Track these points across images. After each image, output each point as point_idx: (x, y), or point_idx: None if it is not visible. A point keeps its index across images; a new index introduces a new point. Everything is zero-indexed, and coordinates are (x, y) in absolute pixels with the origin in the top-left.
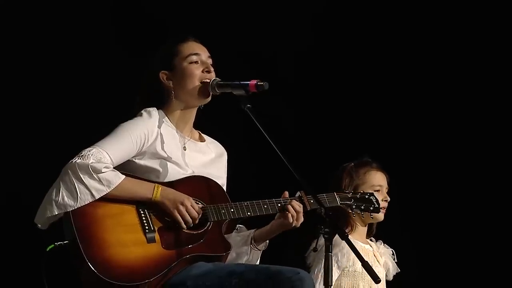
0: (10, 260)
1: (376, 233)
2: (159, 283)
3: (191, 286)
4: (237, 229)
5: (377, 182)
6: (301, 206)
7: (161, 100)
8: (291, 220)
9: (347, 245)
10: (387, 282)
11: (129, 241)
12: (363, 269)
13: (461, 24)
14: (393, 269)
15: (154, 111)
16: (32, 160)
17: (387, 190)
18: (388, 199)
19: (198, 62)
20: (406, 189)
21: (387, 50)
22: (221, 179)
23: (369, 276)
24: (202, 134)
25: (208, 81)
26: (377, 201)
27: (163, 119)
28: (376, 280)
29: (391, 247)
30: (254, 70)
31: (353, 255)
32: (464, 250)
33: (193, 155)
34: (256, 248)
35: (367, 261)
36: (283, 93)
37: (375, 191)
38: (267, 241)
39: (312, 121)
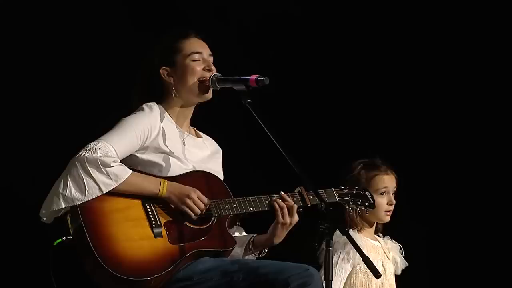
0: (17, 255)
1: (386, 227)
2: (165, 278)
3: (198, 281)
4: (238, 224)
5: (382, 185)
6: (287, 201)
7: (160, 95)
8: (280, 216)
9: (358, 241)
10: (396, 276)
11: (136, 236)
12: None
13: (469, 24)
14: (401, 263)
15: (155, 105)
16: (35, 155)
17: (394, 191)
18: (393, 202)
19: (199, 60)
20: (416, 184)
21: (394, 46)
22: (220, 174)
23: (382, 273)
24: (198, 131)
25: (208, 79)
26: (372, 197)
27: (164, 114)
28: (377, 275)
29: (400, 242)
30: (257, 64)
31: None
32: (473, 246)
33: (192, 150)
34: (254, 254)
35: (367, 256)
36: (285, 88)
37: (380, 194)
38: (267, 249)
39: (315, 116)
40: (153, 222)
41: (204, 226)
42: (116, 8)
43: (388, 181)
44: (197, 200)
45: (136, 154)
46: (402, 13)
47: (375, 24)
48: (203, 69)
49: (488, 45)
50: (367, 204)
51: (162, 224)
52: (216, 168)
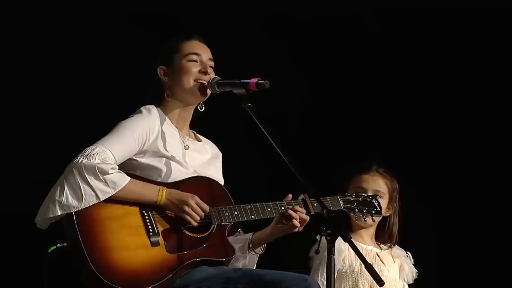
0: (11, 262)
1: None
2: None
3: None
4: (239, 232)
5: (358, 184)
6: (304, 211)
7: (157, 96)
8: (296, 225)
9: (338, 245)
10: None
11: (133, 244)
12: (362, 268)
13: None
14: (410, 271)
15: (153, 108)
16: (31, 160)
17: (378, 195)
18: None
19: (197, 61)
20: (427, 192)
21: (395, 50)
22: (221, 180)
23: (368, 276)
24: (197, 134)
25: (204, 82)
26: (379, 204)
27: (163, 117)
28: (380, 283)
29: (411, 250)
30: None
31: (344, 255)
32: (484, 252)
33: (193, 154)
34: (254, 251)
35: (370, 264)
36: (286, 91)
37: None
38: (265, 245)
39: (317, 121)
40: (151, 231)
41: (203, 235)
42: (116, 10)
43: (367, 181)
44: (196, 207)
45: (135, 158)
46: (398, 16)
47: (368, 27)
48: (199, 71)
49: (487, 46)
50: (373, 211)
51: (160, 233)
52: (216, 173)
